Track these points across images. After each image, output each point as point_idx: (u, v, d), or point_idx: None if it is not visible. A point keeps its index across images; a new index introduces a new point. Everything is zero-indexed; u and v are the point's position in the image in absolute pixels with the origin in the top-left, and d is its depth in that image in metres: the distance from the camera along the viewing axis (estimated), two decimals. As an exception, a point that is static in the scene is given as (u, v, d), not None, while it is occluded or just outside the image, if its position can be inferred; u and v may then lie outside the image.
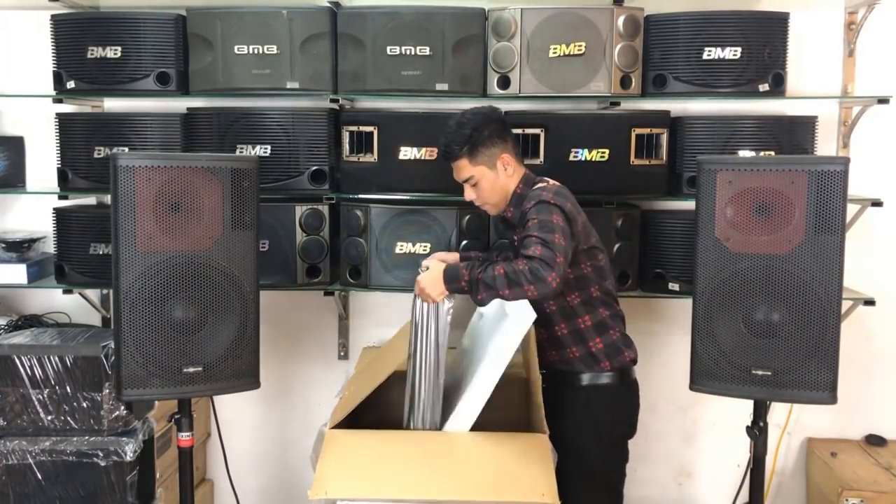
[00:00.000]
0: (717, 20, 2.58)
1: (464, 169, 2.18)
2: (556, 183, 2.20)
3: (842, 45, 2.89)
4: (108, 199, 2.50)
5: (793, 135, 2.63)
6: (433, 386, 2.07)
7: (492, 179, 2.17)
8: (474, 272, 2.00)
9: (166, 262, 1.99)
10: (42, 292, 3.00)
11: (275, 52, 2.62)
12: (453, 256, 2.37)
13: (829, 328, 1.98)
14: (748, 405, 2.16)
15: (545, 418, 2.12)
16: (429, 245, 2.65)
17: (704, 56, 2.58)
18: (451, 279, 2.03)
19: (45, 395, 2.29)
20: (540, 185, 2.18)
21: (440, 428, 2.08)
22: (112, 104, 2.99)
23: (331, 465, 1.92)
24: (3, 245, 2.84)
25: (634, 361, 2.25)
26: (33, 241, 2.90)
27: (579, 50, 2.59)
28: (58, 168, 2.74)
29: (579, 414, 2.19)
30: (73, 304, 2.97)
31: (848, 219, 2.11)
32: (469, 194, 2.22)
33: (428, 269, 2.10)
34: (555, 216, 2.01)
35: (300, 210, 2.68)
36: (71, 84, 2.69)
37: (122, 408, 2.32)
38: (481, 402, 2.03)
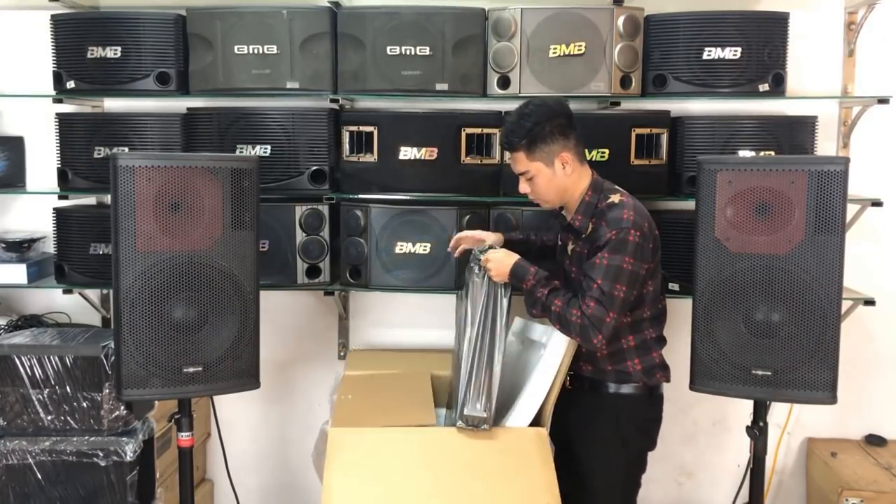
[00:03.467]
0: (717, 20, 2.57)
1: (520, 162, 2.13)
2: (628, 196, 2.13)
3: (842, 45, 2.89)
4: (108, 199, 2.50)
5: (793, 135, 2.63)
6: (487, 369, 2.07)
7: (548, 177, 2.11)
8: (538, 289, 2.08)
9: (166, 262, 1.99)
10: (42, 292, 3.00)
11: (275, 52, 2.62)
12: (497, 238, 2.37)
13: (829, 328, 1.98)
14: (748, 405, 2.16)
15: (568, 423, 2.16)
16: (429, 245, 2.65)
17: (704, 56, 2.58)
18: (516, 276, 2.11)
19: (45, 395, 2.29)
20: (614, 198, 2.10)
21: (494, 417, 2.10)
22: (112, 104, 2.99)
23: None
24: (3, 245, 2.84)
25: (667, 380, 2.22)
26: (33, 241, 2.90)
27: (579, 50, 2.59)
28: (58, 168, 2.74)
29: (604, 422, 2.18)
30: (73, 304, 2.97)
31: (848, 219, 2.12)
32: (523, 187, 2.18)
33: (492, 249, 2.17)
34: (626, 259, 2.00)
35: (300, 210, 2.68)
36: (71, 84, 2.69)
37: (122, 408, 2.33)
38: (539, 401, 2.10)
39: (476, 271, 2.14)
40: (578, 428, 2.21)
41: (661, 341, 2.22)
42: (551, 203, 2.20)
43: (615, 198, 2.10)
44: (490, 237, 2.34)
